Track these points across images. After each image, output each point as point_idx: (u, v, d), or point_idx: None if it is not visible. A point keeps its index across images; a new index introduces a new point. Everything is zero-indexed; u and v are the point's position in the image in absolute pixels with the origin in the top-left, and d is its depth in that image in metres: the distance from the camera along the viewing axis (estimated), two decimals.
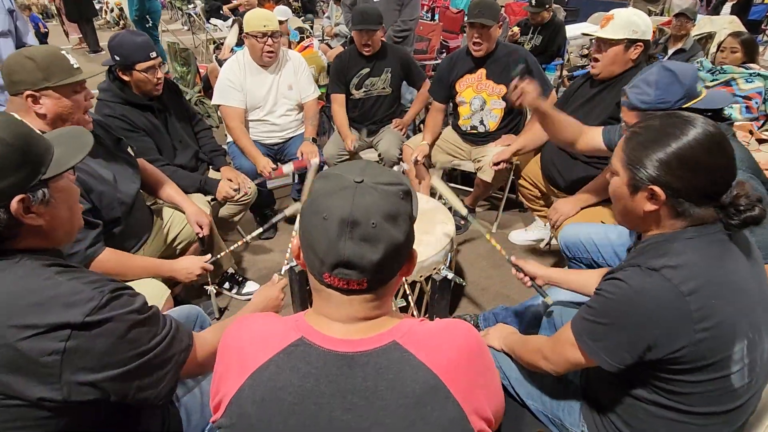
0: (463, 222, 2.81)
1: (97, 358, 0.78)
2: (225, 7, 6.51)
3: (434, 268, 1.71)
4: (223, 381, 0.69)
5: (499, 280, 2.41)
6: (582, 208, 1.95)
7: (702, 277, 0.84)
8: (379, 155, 2.78)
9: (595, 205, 1.94)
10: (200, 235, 1.87)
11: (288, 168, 2.41)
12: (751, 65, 2.88)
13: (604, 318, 0.91)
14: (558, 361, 1.03)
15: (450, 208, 2.04)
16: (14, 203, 0.80)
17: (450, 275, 1.68)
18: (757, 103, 2.76)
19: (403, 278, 0.79)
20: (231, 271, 2.29)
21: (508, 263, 1.48)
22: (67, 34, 8.32)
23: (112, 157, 1.61)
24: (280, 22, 3.41)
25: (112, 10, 8.89)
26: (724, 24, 4.56)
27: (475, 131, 2.59)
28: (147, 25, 5.30)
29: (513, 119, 2.57)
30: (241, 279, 2.30)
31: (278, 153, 2.74)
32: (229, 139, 2.62)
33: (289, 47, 3.75)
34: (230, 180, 2.23)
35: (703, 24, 4.60)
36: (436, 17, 5.76)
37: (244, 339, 0.71)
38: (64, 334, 0.76)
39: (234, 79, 2.47)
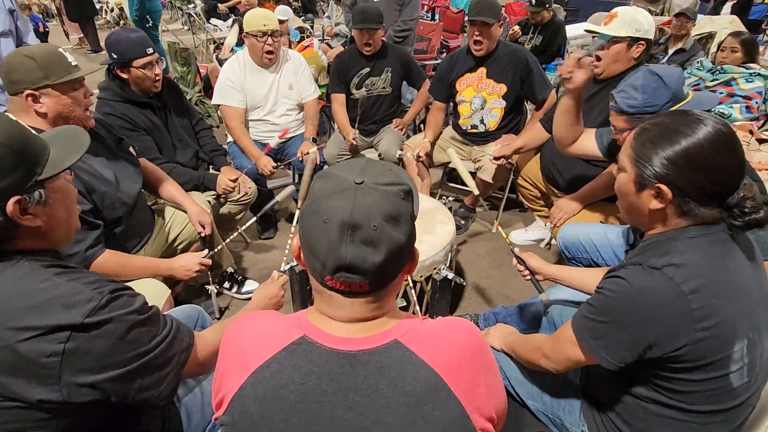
0: (463, 222, 2.82)
1: (96, 359, 0.78)
2: (221, 6, 6.51)
3: (434, 268, 1.71)
4: (225, 379, 0.69)
5: (499, 280, 2.41)
6: (584, 207, 1.95)
7: (703, 276, 0.84)
8: (380, 155, 2.78)
9: (598, 203, 1.94)
10: (202, 234, 1.87)
11: (273, 142, 2.41)
12: (752, 65, 2.88)
13: (605, 316, 0.91)
14: (558, 359, 1.03)
15: (450, 208, 2.04)
16: (10, 205, 0.80)
17: (450, 275, 1.68)
18: (757, 102, 2.75)
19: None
20: (230, 270, 2.29)
21: (509, 259, 1.47)
22: (67, 34, 8.32)
23: (113, 157, 1.61)
24: (281, 22, 3.41)
25: (112, 10, 8.87)
26: (725, 24, 4.56)
27: (476, 130, 2.59)
28: (147, 25, 5.29)
29: (513, 118, 2.57)
30: (240, 278, 2.30)
31: (278, 153, 2.73)
32: (230, 138, 2.62)
33: (290, 47, 3.75)
34: (230, 180, 2.23)
35: (704, 24, 4.60)
36: (437, 17, 5.76)
37: (246, 337, 0.70)
38: (64, 335, 0.75)
39: (234, 79, 2.47)
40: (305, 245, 0.67)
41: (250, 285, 2.29)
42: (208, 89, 3.96)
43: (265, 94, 2.54)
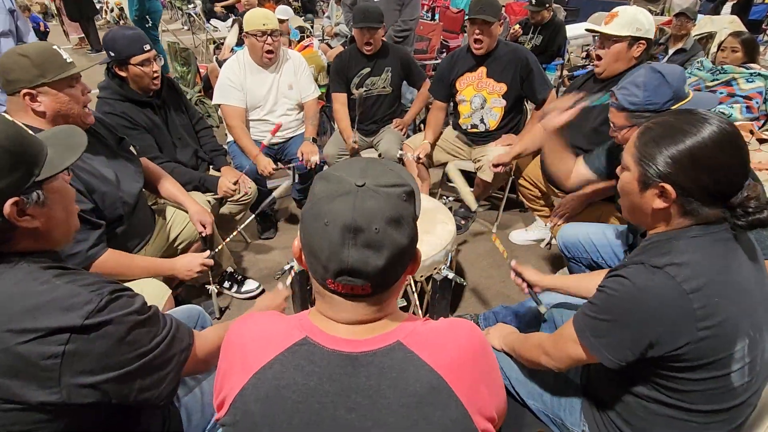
0: (463, 222, 2.82)
1: (96, 360, 0.78)
2: (218, 5, 6.51)
3: (435, 268, 1.71)
4: (226, 379, 0.69)
5: (499, 280, 2.40)
6: (588, 204, 1.95)
7: (705, 275, 0.84)
8: (380, 155, 2.77)
9: (598, 203, 1.94)
10: (203, 234, 1.86)
11: (266, 139, 2.41)
12: (752, 65, 2.88)
13: (606, 314, 0.91)
14: (559, 356, 1.03)
15: (450, 208, 2.04)
16: (7, 206, 0.79)
17: (450, 275, 1.68)
18: (757, 102, 2.75)
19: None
20: (230, 269, 2.29)
21: (509, 259, 1.48)
22: (67, 34, 8.31)
23: (114, 157, 1.61)
24: (281, 22, 3.41)
25: (112, 10, 8.88)
26: (725, 24, 4.56)
27: (476, 130, 2.59)
28: (147, 25, 5.29)
29: (513, 118, 2.57)
30: (240, 278, 2.30)
31: (278, 153, 2.74)
32: (230, 138, 2.61)
33: (290, 46, 3.74)
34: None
35: (704, 24, 4.60)
36: (437, 17, 5.76)
37: (248, 337, 0.70)
38: (64, 337, 0.75)
39: (234, 79, 2.47)
40: (306, 248, 0.67)
41: (250, 284, 2.29)
42: (208, 89, 3.96)
43: (265, 94, 2.54)
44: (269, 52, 2.40)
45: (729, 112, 2.76)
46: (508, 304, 1.97)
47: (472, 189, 2.80)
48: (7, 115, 0.88)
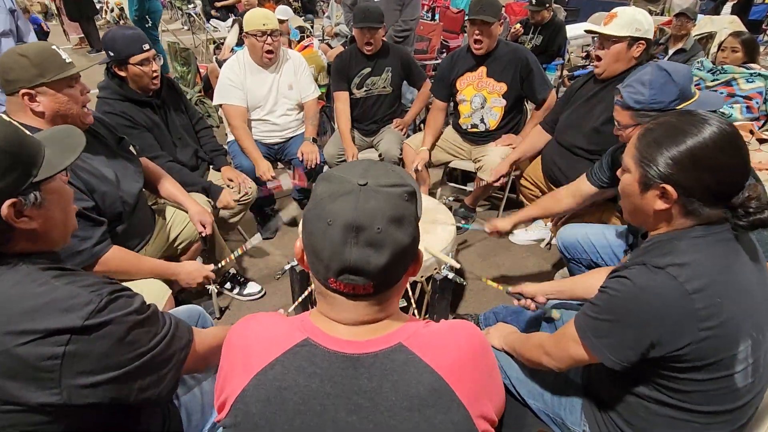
0: (463, 222, 2.82)
1: (97, 360, 0.78)
2: (218, 4, 6.51)
3: (435, 268, 1.71)
4: (228, 380, 0.68)
5: (499, 280, 2.40)
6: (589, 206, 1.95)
7: (707, 276, 0.84)
8: (380, 155, 2.77)
9: (598, 203, 1.94)
10: (203, 234, 1.86)
11: (285, 183, 2.36)
12: (752, 65, 2.88)
13: (608, 315, 0.91)
14: (560, 356, 1.03)
15: (450, 208, 2.04)
16: (5, 208, 0.79)
17: (450, 275, 1.68)
18: (757, 103, 2.76)
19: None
20: (233, 271, 2.29)
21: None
22: (67, 34, 8.31)
23: (114, 157, 1.61)
24: (281, 22, 3.41)
25: (112, 10, 8.86)
26: (725, 24, 4.56)
27: (476, 129, 2.58)
28: (147, 26, 5.29)
29: (513, 118, 2.57)
30: (242, 279, 2.30)
31: (278, 153, 2.74)
32: (230, 138, 2.61)
33: (290, 46, 3.74)
34: (231, 180, 2.23)
35: (704, 24, 4.60)
36: (437, 17, 5.76)
37: (250, 338, 0.70)
38: (64, 338, 0.75)
39: (234, 78, 2.46)
40: (309, 248, 0.67)
41: (252, 287, 2.29)
42: (208, 89, 3.96)
43: (265, 94, 2.54)
44: (269, 52, 2.40)
45: (729, 112, 2.76)
46: (508, 304, 1.97)
47: (471, 190, 2.82)
48: (4, 116, 0.88)
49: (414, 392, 0.62)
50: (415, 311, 1.70)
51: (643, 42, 1.84)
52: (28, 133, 0.87)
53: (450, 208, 2.01)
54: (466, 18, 4.09)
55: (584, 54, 5.15)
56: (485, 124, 2.55)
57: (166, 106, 2.09)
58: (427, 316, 1.85)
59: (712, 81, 2.90)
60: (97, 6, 7.95)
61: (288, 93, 2.59)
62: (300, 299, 1.64)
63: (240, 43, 4.00)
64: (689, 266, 0.84)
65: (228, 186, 2.22)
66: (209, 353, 1.01)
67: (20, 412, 0.76)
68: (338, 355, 0.65)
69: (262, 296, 2.29)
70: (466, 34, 4.40)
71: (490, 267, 2.51)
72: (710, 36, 4.30)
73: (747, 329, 0.86)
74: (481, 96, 2.49)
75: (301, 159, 2.50)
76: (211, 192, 2.10)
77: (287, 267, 1.72)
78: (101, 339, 0.78)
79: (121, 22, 8.24)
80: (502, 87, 2.43)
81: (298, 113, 2.70)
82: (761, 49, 3.46)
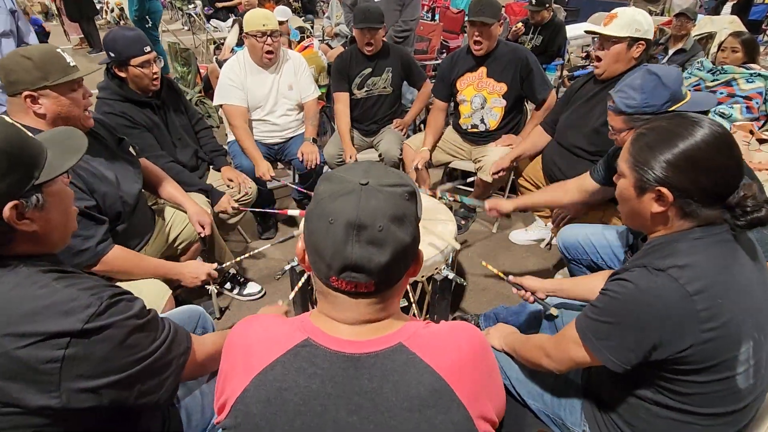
0: (464, 222, 2.82)
1: (96, 364, 0.78)
2: (218, 5, 6.52)
3: (435, 268, 1.71)
4: (228, 381, 0.69)
5: (499, 280, 2.39)
6: (590, 207, 1.95)
7: (708, 277, 0.84)
8: (380, 155, 2.78)
9: (598, 204, 1.94)
10: (202, 235, 1.87)
11: (292, 211, 2.27)
12: (752, 65, 2.88)
13: (609, 317, 0.91)
14: (561, 358, 1.03)
15: (451, 208, 2.04)
16: (7, 210, 0.79)
17: (451, 275, 1.68)
18: (757, 103, 2.75)
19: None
20: (233, 271, 2.29)
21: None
22: (67, 34, 8.31)
23: (114, 158, 1.61)
24: (281, 23, 3.41)
25: (112, 10, 8.87)
26: (725, 24, 4.56)
27: (476, 130, 2.59)
28: (147, 26, 5.29)
29: (513, 118, 2.57)
30: (242, 280, 2.30)
31: (278, 153, 2.74)
32: (230, 138, 2.61)
33: (290, 47, 3.74)
34: (231, 180, 2.23)
35: (704, 24, 4.60)
36: (437, 17, 5.76)
37: (251, 339, 0.70)
38: (63, 341, 0.75)
39: (235, 78, 2.46)
40: (311, 247, 0.67)
41: (252, 287, 2.29)
42: (208, 90, 3.96)
43: (265, 94, 2.54)
44: (269, 52, 2.40)
45: (729, 112, 2.76)
46: (508, 304, 1.97)
47: (471, 189, 2.82)
48: (7, 117, 0.88)
49: (414, 392, 0.62)
50: (416, 311, 1.70)
51: (643, 42, 1.84)
52: (30, 135, 0.87)
53: (450, 208, 2.02)
54: (466, 18, 4.09)
55: (584, 54, 5.15)
56: (485, 124, 2.55)
57: (166, 106, 2.09)
58: (427, 316, 1.85)
59: (712, 81, 2.90)
60: (98, 6, 7.95)
61: (288, 93, 2.59)
62: (299, 285, 1.63)
63: (240, 43, 4.00)
64: (690, 268, 0.85)
65: (228, 186, 2.22)
66: (208, 360, 1.01)
67: (20, 414, 0.76)
68: (339, 355, 0.65)
69: (262, 296, 2.29)
70: (466, 35, 4.40)
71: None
72: (710, 36, 4.30)
73: (748, 330, 0.86)
74: (481, 96, 2.50)
75: (301, 159, 2.50)
76: (212, 195, 2.11)
77: (287, 267, 1.72)
78: (101, 343, 0.78)
79: (122, 22, 8.25)
80: (502, 87, 2.43)
81: (298, 113, 2.70)
82: (761, 49, 3.46)
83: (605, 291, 0.93)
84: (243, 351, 0.69)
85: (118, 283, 0.95)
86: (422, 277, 1.73)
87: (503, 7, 3.48)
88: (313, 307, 0.77)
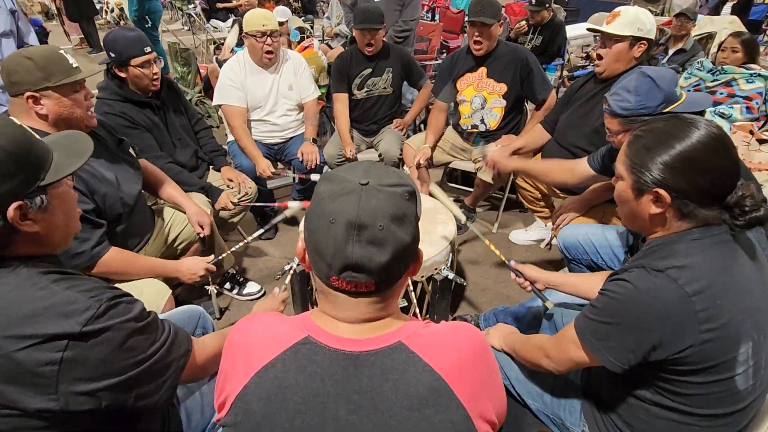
0: (463, 222, 2.81)
1: (94, 367, 0.77)
2: (219, 5, 6.53)
3: (435, 268, 1.71)
4: (228, 379, 0.69)
5: (499, 280, 2.40)
6: (590, 208, 1.95)
7: (707, 278, 0.84)
8: (380, 155, 2.78)
9: (601, 205, 1.95)
10: (201, 235, 1.87)
11: (292, 205, 2.29)
12: (752, 65, 2.88)
13: (608, 318, 0.91)
14: (560, 359, 1.03)
15: None
16: (11, 210, 0.79)
17: (451, 275, 1.68)
18: (757, 103, 2.75)
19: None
20: (232, 271, 2.29)
21: (507, 266, 1.48)
22: (67, 34, 8.32)
23: (114, 159, 1.61)
24: (281, 23, 3.41)
25: (112, 10, 8.88)
26: (725, 24, 4.56)
27: (476, 130, 2.59)
28: (147, 26, 5.28)
29: (513, 118, 2.57)
30: (242, 279, 2.30)
31: (278, 153, 2.74)
32: (230, 138, 2.61)
33: (289, 47, 3.74)
34: (230, 180, 2.23)
35: (704, 24, 4.60)
36: (437, 17, 5.76)
37: (251, 337, 0.71)
38: (61, 344, 0.75)
39: (234, 78, 2.47)
40: (311, 247, 0.67)
41: (251, 287, 2.29)
42: (208, 90, 3.96)
43: (265, 95, 2.54)
44: (269, 52, 2.40)
45: (729, 112, 2.76)
46: (508, 304, 1.97)
47: (471, 189, 2.82)
48: (14, 119, 0.88)
49: (414, 391, 0.62)
50: (417, 311, 1.70)
51: (644, 42, 1.84)
52: (37, 137, 0.87)
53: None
54: (466, 18, 4.09)
55: (584, 55, 5.15)
56: (485, 124, 2.55)
57: (166, 106, 2.09)
58: (427, 316, 1.85)
59: (712, 81, 2.90)
60: (97, 6, 7.95)
61: (288, 93, 2.59)
62: (294, 266, 1.63)
63: (240, 43, 4.00)
64: (689, 268, 0.85)
65: (228, 186, 2.22)
66: (208, 363, 1.01)
67: (18, 416, 0.76)
68: (339, 353, 0.65)
69: (261, 296, 2.29)
70: (466, 35, 4.40)
71: (489, 267, 2.51)
72: (710, 36, 4.31)
73: (748, 331, 0.86)
74: (482, 96, 2.50)
75: (301, 159, 2.50)
76: (211, 194, 2.11)
77: (287, 267, 1.72)
78: (99, 345, 0.78)
79: (122, 22, 8.26)
80: (502, 87, 2.43)
81: (298, 113, 2.70)
82: (761, 49, 3.46)
83: (604, 291, 0.94)
84: (243, 349, 0.69)
85: (118, 284, 0.95)
86: (422, 277, 1.73)
87: (503, 7, 3.48)
88: (313, 307, 0.78)
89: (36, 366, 0.74)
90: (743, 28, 4.09)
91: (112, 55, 1.86)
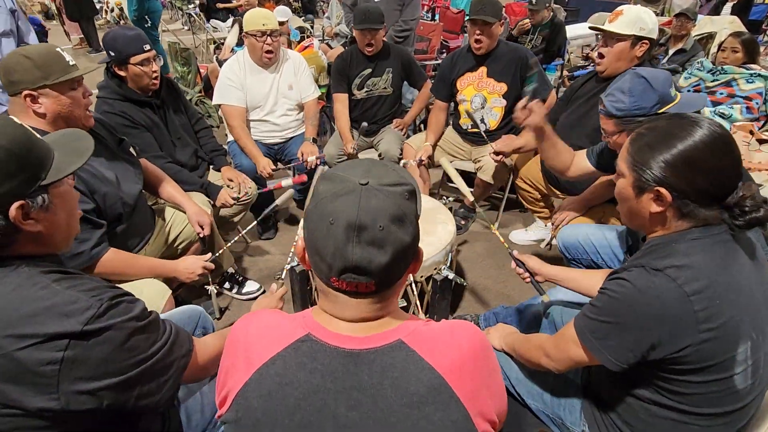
0: (463, 222, 2.82)
1: (95, 366, 0.77)
2: (219, 6, 6.53)
3: (435, 268, 1.71)
4: (229, 375, 0.69)
5: (499, 280, 2.40)
6: (589, 208, 1.95)
7: (706, 277, 0.84)
8: (380, 155, 2.78)
9: (601, 205, 1.94)
10: (201, 235, 1.87)
11: (287, 182, 2.36)
12: (752, 66, 2.87)
13: (608, 317, 0.91)
14: (560, 358, 1.03)
15: (450, 209, 2.04)
16: (13, 210, 0.79)
17: (451, 275, 1.68)
18: (757, 103, 2.75)
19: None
20: (231, 270, 2.29)
21: (509, 259, 1.48)
22: (67, 34, 8.32)
23: (114, 158, 1.61)
24: (281, 23, 3.41)
25: (112, 10, 8.88)
26: (725, 24, 4.55)
27: (476, 130, 2.58)
28: (146, 26, 5.28)
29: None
30: (241, 279, 2.30)
31: (278, 153, 2.74)
32: (230, 138, 2.61)
33: (290, 47, 3.74)
34: (231, 180, 2.23)
35: (704, 24, 4.60)
36: (437, 17, 5.76)
37: (252, 334, 0.71)
38: (62, 343, 0.75)
39: (234, 78, 2.47)
40: (311, 247, 0.67)
41: (250, 286, 2.29)
42: (208, 89, 3.97)
43: (265, 94, 2.54)
44: (269, 52, 2.40)
45: (729, 112, 2.76)
46: (508, 304, 1.97)
47: (471, 190, 2.81)
48: (15, 118, 0.88)
49: (413, 389, 0.62)
50: (417, 310, 1.69)
51: (646, 42, 1.83)
52: (38, 136, 0.87)
53: (450, 209, 2.02)
54: (467, 18, 4.09)
55: (584, 55, 5.15)
56: (485, 124, 2.55)
57: (166, 105, 2.09)
58: (427, 316, 1.85)
59: (712, 81, 2.90)
60: (97, 6, 7.95)
61: (288, 93, 2.59)
62: (290, 260, 1.61)
63: (240, 43, 4.00)
64: (688, 268, 0.85)
65: (228, 186, 2.22)
66: (209, 363, 1.01)
67: (19, 416, 0.76)
68: (339, 350, 0.65)
69: (261, 295, 2.29)
70: (466, 35, 4.40)
71: (490, 267, 2.51)
72: (710, 36, 4.30)
73: (746, 330, 0.86)
74: (482, 96, 2.49)
75: (301, 159, 2.49)
76: (210, 190, 2.10)
77: (287, 267, 1.72)
78: (100, 345, 0.78)
79: (122, 22, 8.25)
80: (503, 87, 2.43)
81: (298, 113, 2.70)
82: (761, 49, 3.45)
83: (604, 290, 0.94)
84: (244, 346, 0.70)
85: (118, 284, 0.95)
86: (422, 277, 1.73)
87: (503, 7, 3.49)
88: (312, 306, 0.78)
89: (37, 365, 0.74)
90: (743, 28, 4.09)
91: (112, 53, 1.86)
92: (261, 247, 2.70)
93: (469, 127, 2.60)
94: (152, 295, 1.49)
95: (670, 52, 3.83)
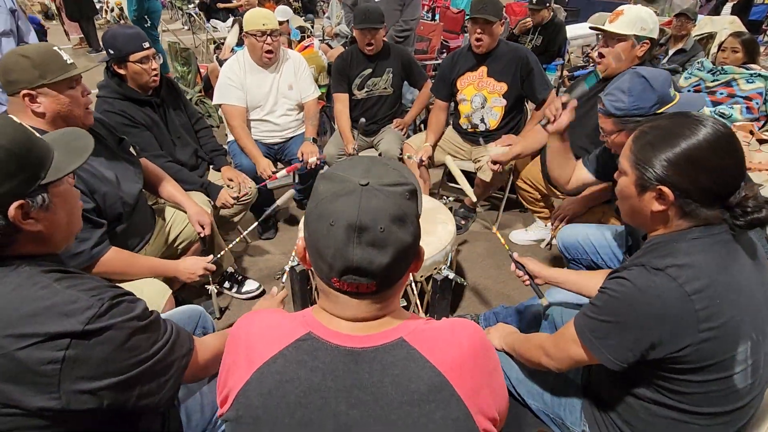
0: (463, 222, 2.82)
1: (96, 366, 0.77)
2: (219, 5, 6.53)
3: (435, 268, 1.71)
4: (230, 374, 0.69)
5: (499, 280, 2.40)
6: (589, 208, 1.95)
7: (707, 277, 0.84)
8: (380, 155, 2.77)
9: (601, 205, 1.94)
10: (202, 235, 1.87)
11: (281, 173, 2.38)
12: (752, 66, 2.87)
13: (608, 316, 0.91)
14: (560, 357, 1.03)
15: (450, 209, 2.04)
16: (12, 209, 0.79)
17: (451, 275, 1.68)
18: (757, 103, 2.75)
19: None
20: (231, 270, 2.29)
21: (509, 259, 1.48)
22: (67, 34, 8.32)
23: (114, 158, 1.61)
24: (281, 23, 3.41)
25: (112, 10, 8.87)
26: (725, 24, 4.56)
27: (476, 129, 2.58)
28: (146, 26, 5.28)
29: (513, 117, 2.57)
30: (240, 278, 2.30)
31: (279, 153, 2.74)
32: (230, 138, 2.61)
33: (290, 46, 3.74)
34: (231, 180, 2.23)
35: (704, 24, 4.60)
36: (437, 17, 5.76)
37: (253, 333, 0.71)
38: (64, 343, 0.75)
39: (234, 78, 2.47)
40: (311, 247, 0.67)
41: (250, 285, 2.29)
42: (208, 89, 3.97)
43: (265, 94, 2.54)
44: (269, 52, 2.40)
45: (729, 112, 2.76)
46: (508, 304, 1.97)
47: (472, 189, 2.81)
48: (14, 118, 0.88)
49: (414, 387, 0.62)
50: (417, 310, 1.69)
51: (647, 42, 1.83)
52: (37, 135, 0.87)
53: (450, 209, 2.02)
54: (467, 18, 4.09)
55: (584, 55, 5.15)
56: (485, 123, 2.55)
57: (166, 105, 2.09)
58: (427, 315, 1.85)
59: (712, 81, 2.89)
60: (97, 6, 7.95)
61: (288, 93, 2.59)
62: (290, 260, 1.61)
63: (240, 43, 4.00)
64: (689, 267, 0.85)
65: (228, 186, 2.22)
66: (210, 362, 1.01)
67: (20, 415, 0.76)
68: (340, 349, 0.65)
69: (260, 293, 2.29)
70: (466, 35, 4.40)
71: (489, 267, 2.51)
72: (710, 36, 4.31)
73: (747, 330, 0.86)
74: (482, 96, 2.49)
75: (301, 159, 2.49)
76: (210, 190, 2.10)
77: (287, 267, 1.72)
78: (101, 344, 0.78)
79: (122, 21, 8.24)
80: (503, 87, 2.43)
81: (298, 113, 2.70)
82: (761, 49, 3.45)
83: (604, 289, 0.93)
84: (246, 345, 0.70)
85: (118, 284, 0.95)
86: (422, 276, 1.73)
87: (503, 7, 3.49)
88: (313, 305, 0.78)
89: (38, 365, 0.74)
90: (743, 28, 4.09)
91: (111, 52, 1.86)
92: (261, 247, 2.70)
93: (469, 126, 2.60)
94: (152, 294, 1.49)
95: (670, 52, 3.83)
